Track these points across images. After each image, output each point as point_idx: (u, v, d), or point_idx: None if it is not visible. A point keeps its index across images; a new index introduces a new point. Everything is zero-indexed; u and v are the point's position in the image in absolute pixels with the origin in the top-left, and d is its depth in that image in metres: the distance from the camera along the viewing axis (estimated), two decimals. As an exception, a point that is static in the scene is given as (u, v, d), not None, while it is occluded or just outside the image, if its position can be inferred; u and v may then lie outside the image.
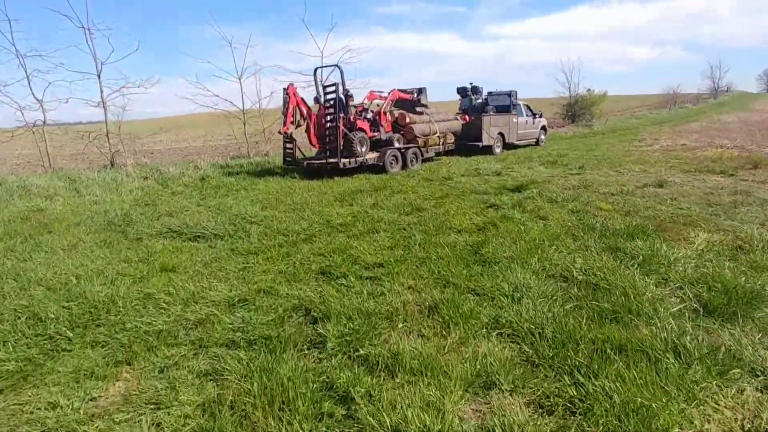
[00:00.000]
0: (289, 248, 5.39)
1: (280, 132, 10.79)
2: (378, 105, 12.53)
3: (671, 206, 6.93)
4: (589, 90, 30.56)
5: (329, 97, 10.57)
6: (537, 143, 18.21)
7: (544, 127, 18.76)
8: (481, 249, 4.95)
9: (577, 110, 29.93)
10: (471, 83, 16.91)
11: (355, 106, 12.14)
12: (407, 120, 12.70)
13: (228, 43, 15.00)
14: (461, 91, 17.18)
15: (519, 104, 17.01)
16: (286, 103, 10.48)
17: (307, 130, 10.89)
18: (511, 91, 16.55)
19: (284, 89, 10.51)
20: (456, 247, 5.17)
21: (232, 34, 16.37)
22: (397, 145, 12.27)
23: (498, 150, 15.74)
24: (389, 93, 12.51)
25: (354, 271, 4.46)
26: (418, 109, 13.40)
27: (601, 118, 30.48)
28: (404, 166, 11.87)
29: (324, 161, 10.73)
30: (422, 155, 12.62)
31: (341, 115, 10.77)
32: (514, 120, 16.49)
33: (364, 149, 11.30)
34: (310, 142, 11.17)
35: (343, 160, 10.58)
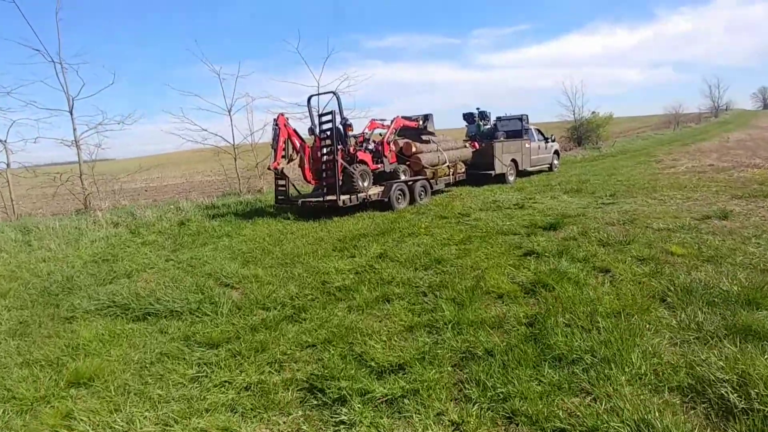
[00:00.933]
0: (267, 334, 3.76)
1: (269, 168, 9.31)
2: (380, 134, 11.12)
3: (761, 247, 5.32)
4: (593, 112, 29.41)
5: (325, 127, 9.14)
6: (550, 169, 16.75)
7: (557, 152, 17.35)
8: (544, 333, 3.32)
9: (582, 133, 28.69)
10: (478, 108, 15.59)
11: (354, 137, 10.72)
12: (413, 149, 11.25)
13: (216, 73, 13.76)
14: (467, 117, 15.83)
15: (530, 128, 15.64)
16: (276, 135, 9.05)
17: (301, 165, 9.42)
18: (522, 115, 15.19)
19: (274, 120, 9.10)
20: (504, 327, 3.55)
21: (220, 65, 15.11)
22: (403, 177, 10.78)
23: (511, 178, 14.26)
24: (392, 121, 11.11)
25: (360, 386, 2.81)
26: (424, 137, 11.98)
27: (608, 141, 29.21)
28: (412, 201, 10.34)
29: (321, 199, 9.21)
30: (431, 188, 11.11)
31: (339, 146, 9.32)
32: (527, 145, 15.06)
33: (366, 184, 9.80)
34: (305, 178, 9.68)
35: (342, 197, 9.06)
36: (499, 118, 15.64)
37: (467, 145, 13.52)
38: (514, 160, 14.38)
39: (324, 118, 9.17)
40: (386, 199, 9.69)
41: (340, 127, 9.71)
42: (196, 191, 16.79)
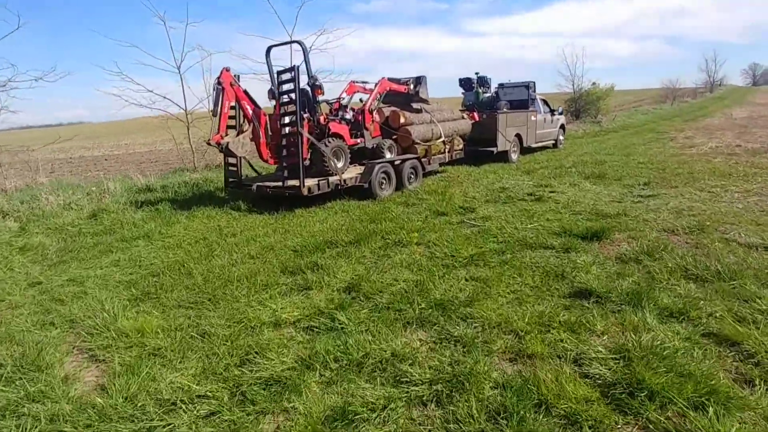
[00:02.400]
0: None
1: (209, 143, 6.90)
2: (361, 101, 8.76)
3: None
4: (594, 83, 27.03)
5: (286, 88, 6.73)
6: (555, 145, 14.58)
7: (563, 126, 15.14)
8: None
9: (581, 105, 26.41)
10: (477, 73, 13.18)
11: (328, 103, 8.35)
12: (402, 120, 8.93)
13: (161, 20, 10.98)
14: (465, 82, 13.44)
15: (537, 99, 13.34)
16: (219, 98, 6.62)
17: (256, 139, 7.04)
18: (528, 83, 12.84)
19: (217, 78, 6.64)
20: None
21: (164, 9, 12.13)
22: (388, 156, 8.51)
23: (515, 156, 12.06)
24: (376, 84, 8.72)
25: None
26: (415, 105, 9.64)
27: (608, 115, 27.06)
28: (399, 186, 8.11)
29: (281, 185, 6.91)
30: (423, 169, 8.84)
31: (305, 114, 6.97)
32: (533, 118, 12.80)
33: (341, 164, 7.51)
34: (261, 156, 7.32)
35: (308, 183, 6.78)
36: (501, 86, 13.29)
37: (465, 116, 11.20)
38: (518, 135, 12.15)
39: (284, 77, 6.74)
40: (366, 185, 7.44)
41: (308, 89, 7.33)
42: (146, 164, 14.23)
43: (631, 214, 5.99)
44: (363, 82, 9.01)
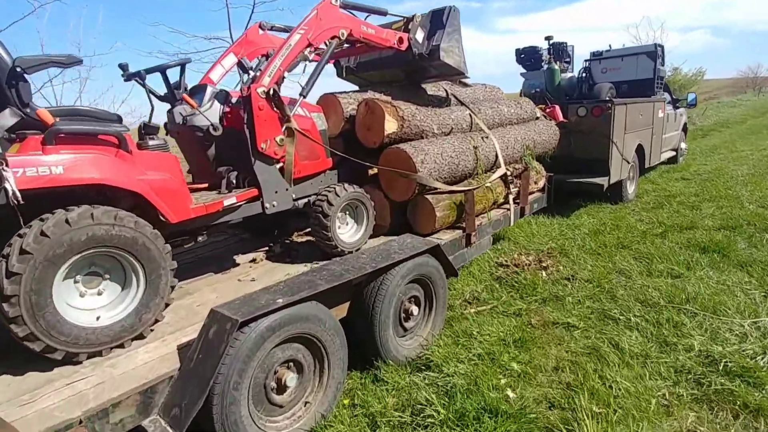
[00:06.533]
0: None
1: None
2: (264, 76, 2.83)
3: None
4: (676, 68, 20.22)
5: None
6: (675, 159, 8.15)
7: (685, 127, 8.70)
8: None
9: (660, 97, 19.57)
10: (548, 38, 7.05)
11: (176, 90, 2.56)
12: (391, 128, 2.98)
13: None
14: (526, 56, 7.40)
15: (664, 79, 7.03)
16: None
17: None
18: (655, 46, 6.55)
19: None
20: None
21: None
22: (347, 239, 2.60)
23: (631, 188, 5.89)
24: (314, 13, 2.75)
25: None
26: (430, 89, 3.69)
27: (697, 108, 20.11)
28: (372, 352, 2.17)
29: None
30: (453, 271, 2.80)
31: None
32: (660, 114, 6.52)
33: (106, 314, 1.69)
34: None
35: None
36: (596, 56, 7.04)
37: (542, 114, 5.07)
38: (640, 148, 5.94)
39: None
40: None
41: None
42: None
43: None
44: (283, 28, 3.18)
